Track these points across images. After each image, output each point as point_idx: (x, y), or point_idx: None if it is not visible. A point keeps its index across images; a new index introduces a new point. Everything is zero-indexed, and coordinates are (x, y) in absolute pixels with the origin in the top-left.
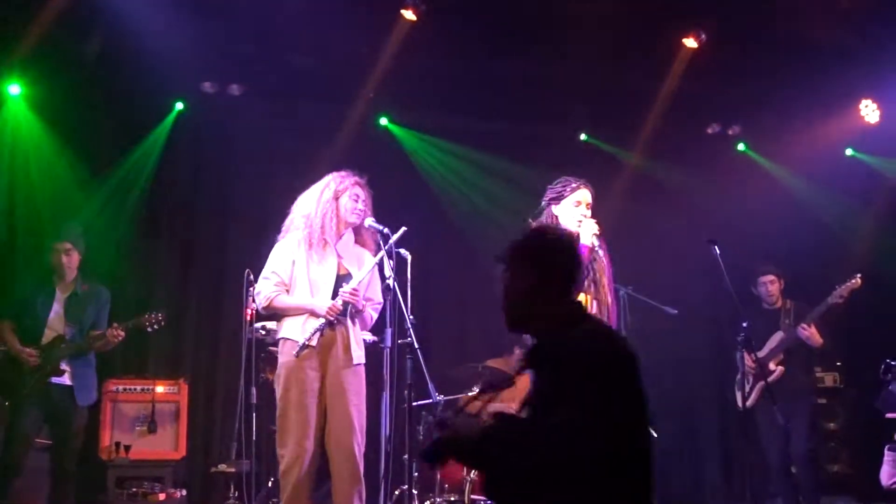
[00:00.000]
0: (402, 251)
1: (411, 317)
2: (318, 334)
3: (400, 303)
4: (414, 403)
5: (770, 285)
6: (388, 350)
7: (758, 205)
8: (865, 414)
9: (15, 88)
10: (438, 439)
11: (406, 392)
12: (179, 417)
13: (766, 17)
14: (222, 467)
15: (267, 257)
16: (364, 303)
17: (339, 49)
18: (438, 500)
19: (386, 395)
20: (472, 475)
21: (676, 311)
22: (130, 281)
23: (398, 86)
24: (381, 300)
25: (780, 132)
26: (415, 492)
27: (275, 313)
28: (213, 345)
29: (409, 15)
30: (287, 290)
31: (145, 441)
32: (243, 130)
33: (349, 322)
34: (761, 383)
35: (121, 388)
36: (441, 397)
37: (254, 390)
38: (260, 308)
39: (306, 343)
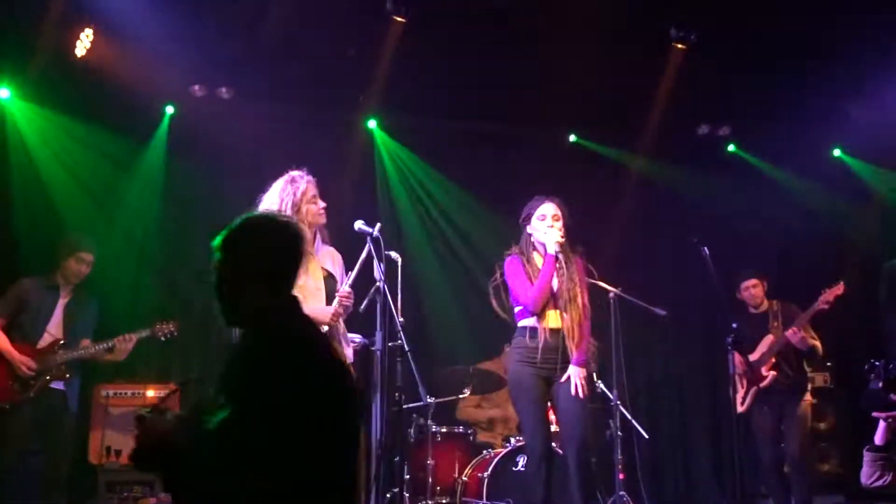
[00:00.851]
0: (393, 254)
1: (401, 319)
2: None
3: (390, 305)
4: (405, 406)
5: (753, 289)
6: (379, 352)
7: (748, 205)
8: (855, 414)
9: (4, 92)
10: (136, 441)
11: (397, 394)
12: None
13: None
14: None
15: None
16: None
17: (328, 52)
18: (430, 502)
19: (377, 398)
20: (464, 477)
21: (665, 313)
22: (120, 288)
23: (387, 88)
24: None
25: (770, 132)
26: (406, 494)
27: None
28: (203, 349)
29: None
30: None
31: None
32: (233, 133)
33: (340, 324)
34: (754, 388)
35: (111, 392)
36: (432, 399)
37: None
38: None
39: None
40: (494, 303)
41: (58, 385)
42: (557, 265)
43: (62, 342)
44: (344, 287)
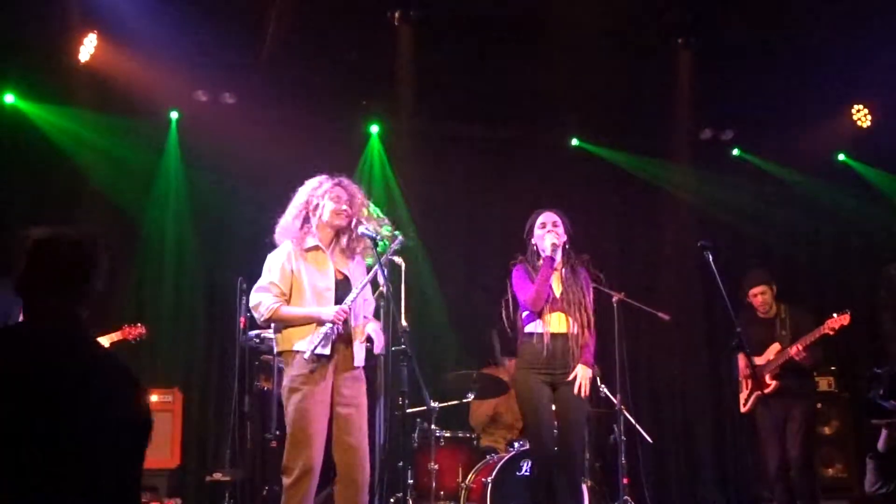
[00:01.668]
0: (397, 259)
1: (405, 324)
2: (328, 342)
3: (394, 310)
4: (408, 410)
5: (762, 296)
6: (383, 357)
7: (751, 209)
8: (860, 418)
9: (9, 98)
10: None
11: (400, 399)
12: (174, 426)
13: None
14: (217, 476)
15: (260, 265)
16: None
17: (331, 56)
18: None
19: (381, 403)
20: (467, 482)
21: (669, 317)
22: (122, 290)
23: (390, 93)
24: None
25: (773, 137)
26: (410, 499)
27: (277, 325)
28: (206, 353)
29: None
30: (287, 302)
31: None
32: (236, 138)
33: (351, 325)
34: (758, 393)
35: None
36: (436, 404)
37: (247, 398)
38: (261, 320)
39: (320, 353)
40: (504, 315)
41: None
42: (562, 270)
43: None
44: (346, 302)
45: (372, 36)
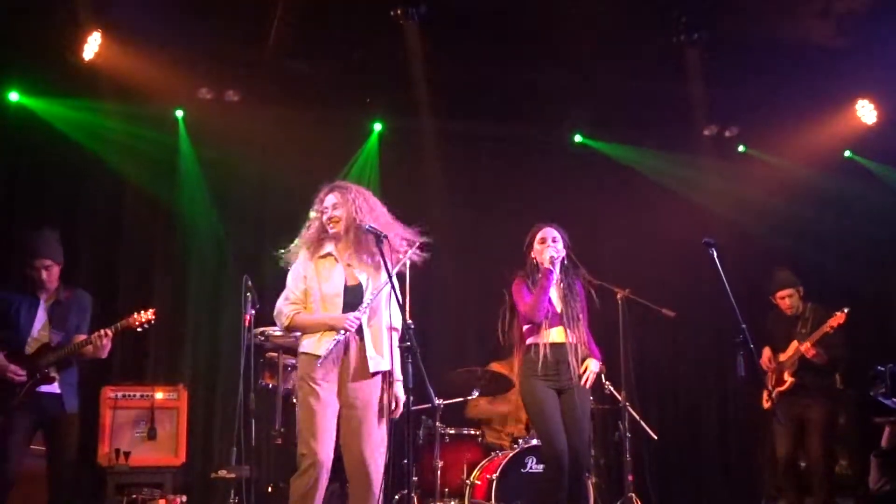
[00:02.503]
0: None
1: (410, 321)
2: (336, 347)
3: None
4: (413, 407)
5: (789, 299)
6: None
7: (757, 205)
8: (866, 415)
9: (14, 95)
10: None
11: (406, 396)
12: (179, 423)
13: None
14: (222, 473)
15: (265, 262)
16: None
17: (335, 54)
18: None
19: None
20: (472, 479)
21: (675, 314)
22: (127, 287)
23: (393, 91)
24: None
25: (778, 133)
26: (414, 496)
27: (297, 331)
28: (212, 350)
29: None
30: (304, 308)
31: (145, 447)
32: (241, 136)
33: (366, 331)
34: (778, 389)
35: (120, 394)
36: (441, 401)
37: (253, 396)
38: (282, 329)
39: (325, 356)
40: (500, 326)
41: (53, 388)
42: (561, 286)
43: (52, 344)
44: (359, 310)
45: (376, 34)
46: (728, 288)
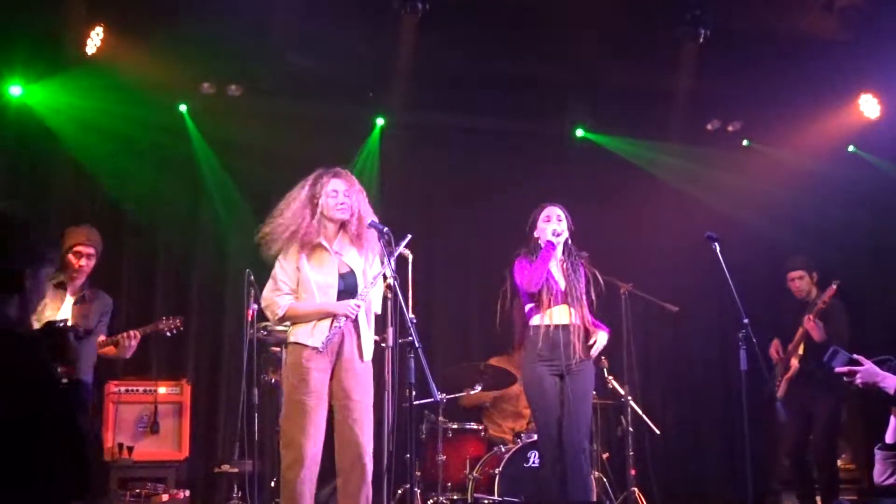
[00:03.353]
0: (404, 250)
1: (412, 316)
2: (334, 336)
3: (401, 302)
4: (416, 402)
5: (799, 281)
6: (390, 349)
7: (760, 200)
8: (869, 409)
9: (16, 89)
10: None
11: (408, 391)
12: (182, 418)
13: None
14: (225, 468)
15: (267, 257)
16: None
17: (338, 47)
18: (441, 498)
19: (388, 394)
20: (475, 473)
21: (678, 309)
22: (130, 283)
23: (396, 85)
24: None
25: (781, 128)
26: (417, 490)
27: (291, 321)
28: (214, 345)
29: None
30: (296, 298)
31: (148, 442)
32: (243, 130)
33: (361, 318)
34: (786, 376)
35: (123, 389)
36: (443, 396)
37: (256, 390)
38: (275, 320)
39: (326, 343)
40: (500, 307)
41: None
42: (564, 264)
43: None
44: (360, 296)
45: (379, 26)
46: (731, 282)
